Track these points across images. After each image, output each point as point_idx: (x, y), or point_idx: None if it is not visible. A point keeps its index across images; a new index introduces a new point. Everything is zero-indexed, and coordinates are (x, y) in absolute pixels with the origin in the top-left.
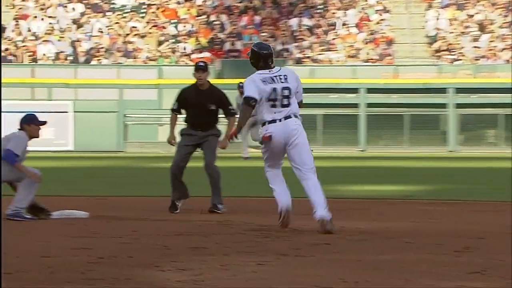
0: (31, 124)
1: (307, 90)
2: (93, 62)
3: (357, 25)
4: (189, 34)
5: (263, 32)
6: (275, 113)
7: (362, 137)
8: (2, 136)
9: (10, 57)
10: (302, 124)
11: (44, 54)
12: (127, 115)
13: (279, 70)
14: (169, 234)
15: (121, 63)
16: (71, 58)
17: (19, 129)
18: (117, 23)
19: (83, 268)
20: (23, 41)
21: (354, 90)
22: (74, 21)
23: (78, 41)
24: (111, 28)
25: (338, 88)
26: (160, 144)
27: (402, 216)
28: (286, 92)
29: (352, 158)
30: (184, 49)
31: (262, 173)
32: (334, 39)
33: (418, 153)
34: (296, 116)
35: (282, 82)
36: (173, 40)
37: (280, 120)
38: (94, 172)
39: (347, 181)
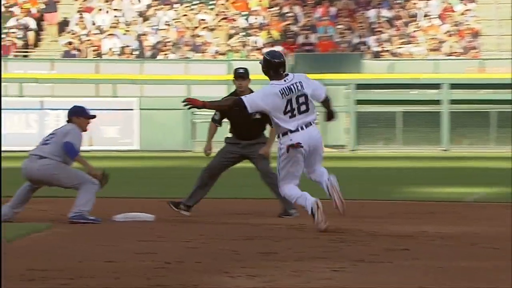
0: (80, 116)
1: (385, 86)
2: (159, 57)
3: (440, 16)
4: (261, 27)
5: (339, 24)
6: (294, 121)
7: (444, 136)
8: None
9: (73, 52)
10: (380, 122)
11: (111, 49)
12: (194, 113)
13: (293, 78)
14: (238, 238)
15: (188, 58)
16: (137, 52)
17: (67, 121)
18: (185, 15)
19: (149, 274)
20: (87, 35)
21: (436, 86)
22: (140, 14)
23: (144, 34)
24: (178, 21)
25: (419, 83)
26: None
27: (488, 220)
28: (302, 99)
29: (434, 159)
30: (255, 42)
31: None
32: (415, 31)
33: (505, 153)
34: (315, 123)
35: (299, 90)
36: (244, 33)
37: (302, 128)
38: (160, 173)
39: (429, 182)
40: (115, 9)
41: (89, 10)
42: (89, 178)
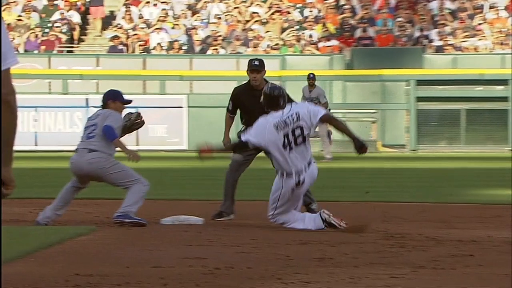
0: (116, 101)
1: (448, 82)
2: (209, 52)
3: (506, 8)
4: (316, 20)
5: (398, 17)
6: (294, 158)
7: None
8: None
9: (120, 47)
10: (442, 121)
11: (159, 44)
12: None
13: (290, 109)
14: (292, 243)
15: (240, 53)
16: (185, 47)
17: (102, 107)
18: (236, 8)
19: (198, 280)
20: (134, 29)
21: (503, 82)
22: (189, 7)
23: (193, 28)
24: (229, 14)
25: (484, 79)
26: None
27: None
28: (298, 132)
29: (500, 159)
30: (310, 36)
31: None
32: (480, 24)
33: None
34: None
35: (295, 122)
36: (298, 27)
37: (305, 166)
38: (210, 174)
39: (495, 185)
40: (163, 2)
41: (136, 3)
42: (141, 179)
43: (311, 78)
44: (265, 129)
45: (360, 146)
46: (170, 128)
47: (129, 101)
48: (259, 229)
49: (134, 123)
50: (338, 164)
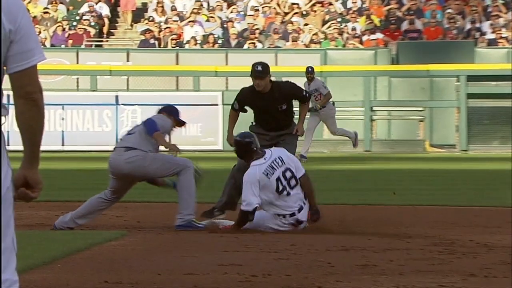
0: (171, 116)
1: (501, 78)
2: (246, 46)
3: None
4: (360, 12)
5: (448, 8)
6: (292, 201)
7: None
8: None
9: (152, 41)
10: (495, 119)
11: (193, 38)
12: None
13: (271, 155)
14: (333, 249)
15: (279, 47)
16: (221, 41)
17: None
18: (274, 0)
19: None
20: (166, 22)
21: None
22: None
23: (229, 21)
24: (267, 6)
25: None
26: (325, 142)
27: None
28: (288, 174)
29: None
30: (353, 29)
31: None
32: None
33: None
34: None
35: (281, 166)
36: (340, 19)
37: (302, 207)
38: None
39: None
40: None
41: None
42: (184, 163)
43: (309, 72)
44: (254, 184)
45: (313, 214)
46: (204, 127)
47: (183, 123)
48: (298, 234)
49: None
50: (383, 166)
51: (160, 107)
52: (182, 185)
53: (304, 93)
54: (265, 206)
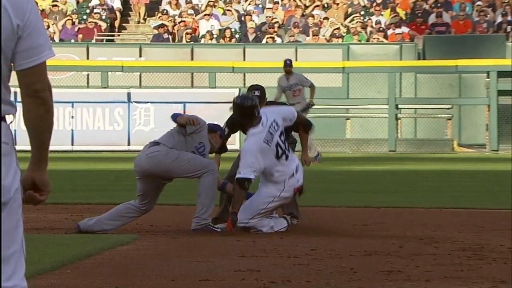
0: (212, 132)
1: None
2: (264, 41)
3: None
4: (384, 4)
5: (478, 1)
6: (290, 163)
7: None
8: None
9: (165, 36)
10: None
11: (208, 32)
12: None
13: (267, 120)
14: (356, 254)
15: (299, 42)
16: (238, 36)
17: None
18: None
19: None
20: (180, 16)
21: None
22: None
23: (247, 15)
24: None
25: None
26: (347, 141)
27: None
28: (283, 138)
29: None
30: (378, 23)
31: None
32: None
33: None
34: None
35: (277, 131)
36: (364, 12)
37: (297, 170)
38: None
39: None
40: None
41: None
42: (208, 165)
43: (287, 65)
44: (256, 152)
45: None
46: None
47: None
48: (319, 238)
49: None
50: (408, 166)
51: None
52: (202, 188)
53: (307, 124)
54: (267, 176)
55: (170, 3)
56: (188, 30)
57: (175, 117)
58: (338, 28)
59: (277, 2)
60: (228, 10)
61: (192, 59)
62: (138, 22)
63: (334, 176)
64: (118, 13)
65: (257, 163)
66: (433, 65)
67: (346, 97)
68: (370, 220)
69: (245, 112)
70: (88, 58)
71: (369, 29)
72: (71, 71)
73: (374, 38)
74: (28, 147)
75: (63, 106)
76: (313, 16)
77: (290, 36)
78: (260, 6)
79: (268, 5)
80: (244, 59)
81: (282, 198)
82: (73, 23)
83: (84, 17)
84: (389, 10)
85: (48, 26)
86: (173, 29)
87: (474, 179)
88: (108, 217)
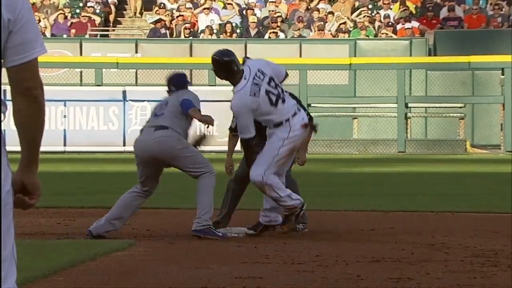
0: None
1: None
2: (267, 36)
3: None
4: None
5: None
6: (289, 105)
7: None
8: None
9: (163, 31)
10: None
11: (208, 27)
12: (311, 105)
13: (250, 71)
14: (363, 260)
15: (303, 37)
16: (239, 31)
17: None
18: None
19: None
20: (178, 9)
21: None
22: None
23: (249, 8)
24: None
25: None
26: (355, 142)
27: None
28: (273, 83)
29: None
30: (386, 17)
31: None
32: None
33: None
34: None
35: (263, 78)
36: (372, 6)
37: (299, 109)
38: None
39: None
40: None
41: None
42: (209, 165)
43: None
44: (247, 108)
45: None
46: (221, 125)
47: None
48: (324, 244)
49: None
50: (419, 168)
51: (170, 83)
52: (202, 189)
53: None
54: (269, 124)
55: None
56: (187, 25)
57: (187, 107)
58: (344, 23)
59: None
60: (228, 3)
61: (191, 55)
62: (134, 13)
63: (340, 178)
64: (113, 7)
65: (252, 119)
66: (445, 61)
67: (353, 95)
68: (378, 224)
69: (224, 67)
70: (81, 54)
71: (377, 23)
72: (63, 68)
73: (383, 33)
74: (18, 148)
75: (55, 105)
76: (318, 10)
77: (294, 31)
78: None
79: None
80: (247, 55)
81: (291, 139)
82: (66, 17)
83: (77, 11)
84: (398, 3)
85: (39, 21)
86: (171, 23)
87: (487, 182)
88: (117, 213)
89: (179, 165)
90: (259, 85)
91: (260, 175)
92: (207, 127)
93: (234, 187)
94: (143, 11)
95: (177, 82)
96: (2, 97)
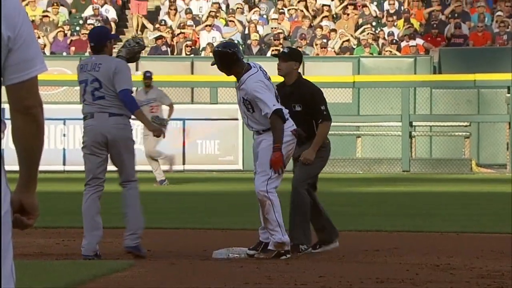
0: (111, 39)
1: None
2: (269, 54)
3: None
4: (397, 15)
5: (498, 11)
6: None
7: None
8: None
9: (164, 48)
10: None
11: (209, 44)
12: None
13: (255, 64)
14: (368, 281)
15: (306, 54)
16: (241, 48)
17: (96, 50)
18: (302, 1)
19: None
20: (180, 27)
21: None
22: (246, 0)
23: (251, 25)
24: (293, 8)
25: None
26: (358, 161)
27: None
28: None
29: None
30: (390, 35)
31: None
32: None
33: None
34: None
35: (269, 77)
36: (375, 23)
37: (288, 118)
38: None
39: None
40: None
41: None
42: (135, 174)
43: (147, 77)
44: (268, 86)
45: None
46: (222, 144)
47: (117, 36)
48: (328, 264)
49: (136, 52)
50: (423, 188)
51: (96, 34)
52: (130, 202)
53: (323, 108)
54: (264, 121)
55: (168, 13)
56: (188, 42)
57: (135, 108)
58: (348, 40)
59: (283, 12)
60: (230, 21)
61: (192, 73)
62: (137, 31)
63: (344, 198)
64: (113, 24)
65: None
66: (450, 79)
67: (357, 113)
68: (382, 245)
69: (226, 58)
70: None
71: (381, 41)
72: (63, 86)
73: (387, 51)
74: (17, 168)
75: (54, 123)
76: (321, 27)
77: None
78: (265, 16)
79: (273, 16)
80: None
81: (284, 143)
82: (65, 35)
83: (77, 28)
84: (402, 20)
85: (38, 37)
86: (172, 41)
87: (493, 202)
88: (91, 224)
89: (121, 159)
90: (267, 76)
91: (264, 185)
92: (158, 139)
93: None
94: (144, 28)
95: (102, 35)
96: (1, 116)
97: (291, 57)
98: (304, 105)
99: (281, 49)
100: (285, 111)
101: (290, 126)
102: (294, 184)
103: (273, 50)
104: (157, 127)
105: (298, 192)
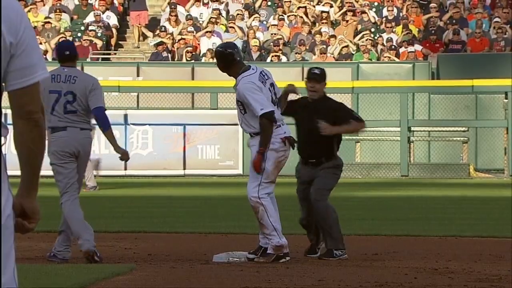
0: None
1: None
2: (269, 60)
3: None
4: (396, 21)
5: (496, 17)
6: (277, 112)
7: None
8: None
9: (164, 54)
10: None
11: (210, 50)
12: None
13: (256, 67)
14: (366, 284)
15: (305, 60)
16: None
17: (66, 65)
18: (302, 8)
19: None
20: (180, 33)
21: None
22: (246, 6)
23: (251, 31)
24: (293, 15)
25: None
26: (357, 166)
27: None
28: (273, 89)
29: None
30: (389, 41)
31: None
32: None
33: None
34: None
35: (268, 79)
36: (374, 29)
37: (283, 124)
38: None
39: None
40: (215, 1)
41: (183, 2)
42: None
43: None
44: (260, 89)
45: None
46: (222, 149)
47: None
48: (327, 268)
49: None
50: (421, 192)
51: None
52: (70, 214)
53: (354, 113)
54: (251, 135)
55: (169, 19)
56: (189, 48)
57: (108, 127)
58: (347, 46)
59: (283, 19)
60: (230, 27)
61: (192, 78)
62: (138, 38)
63: (343, 202)
64: (114, 31)
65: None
66: (448, 85)
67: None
68: (381, 249)
69: (225, 58)
70: None
71: (379, 47)
72: None
73: (385, 57)
74: (18, 172)
75: None
76: (320, 33)
77: (296, 54)
78: (265, 22)
79: (273, 22)
80: None
81: (271, 151)
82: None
83: (79, 34)
84: (401, 27)
85: (40, 43)
86: (173, 47)
87: (491, 206)
88: (83, 227)
89: (81, 169)
90: (266, 79)
91: (256, 191)
92: (121, 160)
93: (331, 208)
94: (145, 35)
95: (72, 50)
96: (3, 121)
97: (322, 78)
98: (329, 120)
99: (312, 71)
100: (278, 114)
101: (281, 134)
102: (314, 197)
103: (272, 56)
104: (125, 151)
105: (317, 202)
